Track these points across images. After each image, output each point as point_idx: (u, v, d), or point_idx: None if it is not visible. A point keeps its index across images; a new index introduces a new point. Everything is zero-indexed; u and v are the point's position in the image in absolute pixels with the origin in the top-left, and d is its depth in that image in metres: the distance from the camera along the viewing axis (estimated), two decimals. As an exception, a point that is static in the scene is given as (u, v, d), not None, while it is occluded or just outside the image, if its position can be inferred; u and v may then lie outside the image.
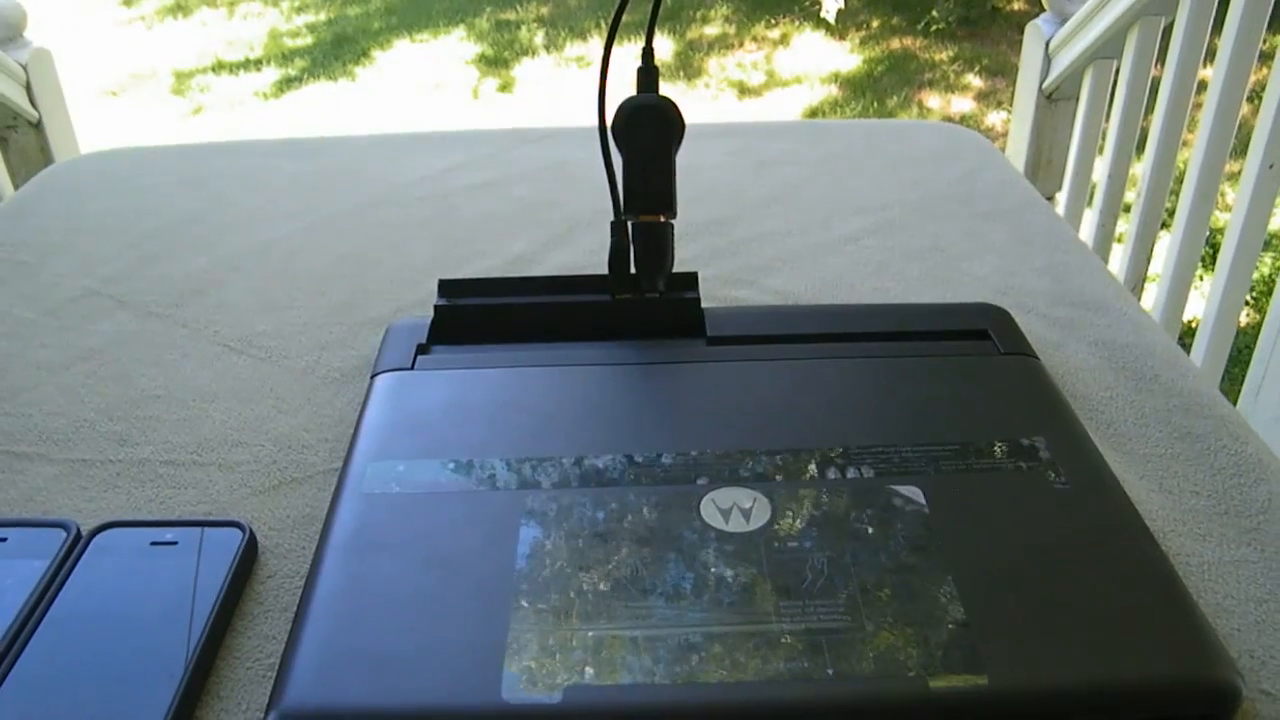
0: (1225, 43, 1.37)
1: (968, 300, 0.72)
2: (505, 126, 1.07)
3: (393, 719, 0.41)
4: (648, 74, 0.63)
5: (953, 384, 0.59)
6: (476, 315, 0.65)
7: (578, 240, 0.82)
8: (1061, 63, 1.70)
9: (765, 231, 0.83)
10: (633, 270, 0.64)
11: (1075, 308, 0.71)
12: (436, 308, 0.65)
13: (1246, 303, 1.45)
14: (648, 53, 0.63)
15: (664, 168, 0.63)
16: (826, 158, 0.97)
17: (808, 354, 0.61)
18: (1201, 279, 2.32)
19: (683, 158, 0.63)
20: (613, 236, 0.64)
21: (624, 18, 0.60)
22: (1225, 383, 1.58)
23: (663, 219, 0.63)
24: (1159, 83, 1.52)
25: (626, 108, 0.62)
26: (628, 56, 0.60)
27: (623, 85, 0.60)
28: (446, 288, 0.66)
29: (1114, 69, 1.64)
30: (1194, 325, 2.09)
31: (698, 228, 0.83)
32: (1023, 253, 0.79)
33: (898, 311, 0.67)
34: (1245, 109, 1.41)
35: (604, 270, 0.65)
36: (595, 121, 0.63)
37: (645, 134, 0.62)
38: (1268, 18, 1.33)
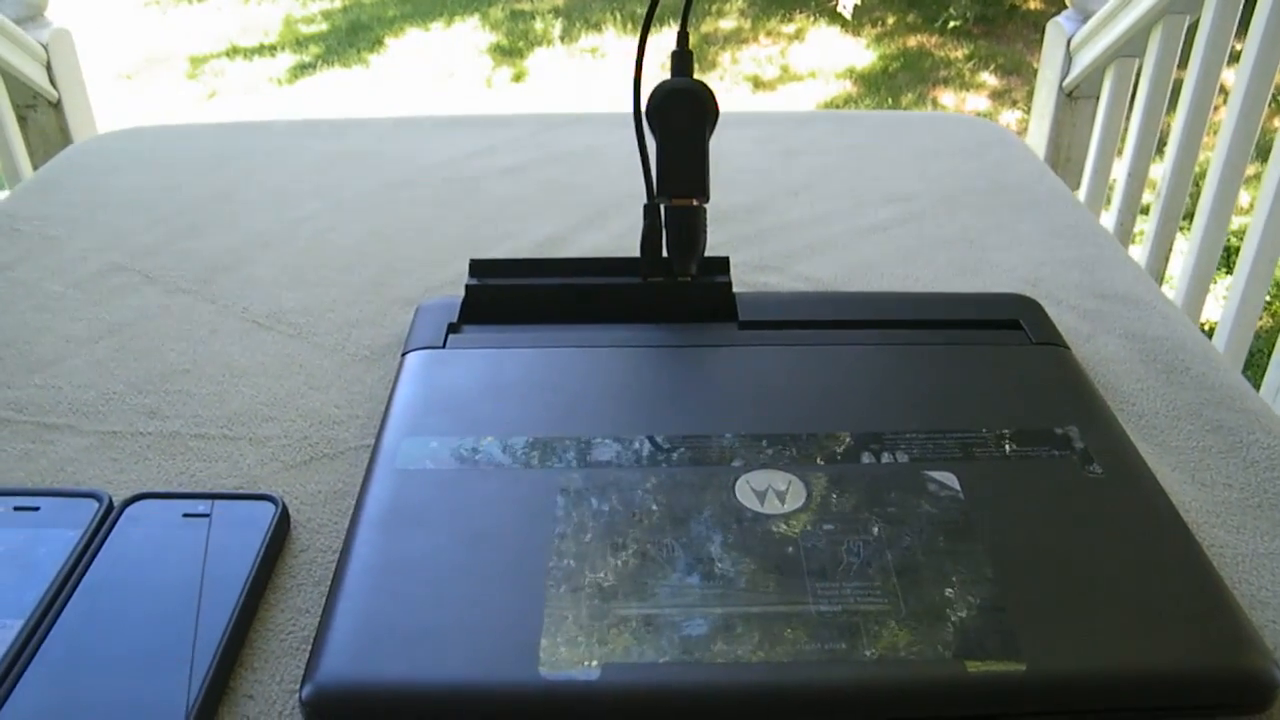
0: (1250, 44, 1.36)
1: (997, 290, 0.72)
2: (526, 112, 1.06)
3: (428, 694, 0.41)
4: (682, 58, 0.63)
5: (985, 372, 0.59)
6: (508, 295, 0.65)
7: (607, 223, 0.82)
8: (1083, 60, 1.69)
9: (794, 219, 0.83)
10: (665, 253, 0.64)
11: (1105, 300, 0.71)
12: (468, 287, 0.65)
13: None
14: (682, 37, 0.63)
15: (698, 151, 0.63)
16: (853, 147, 0.96)
17: (841, 340, 0.61)
18: (1216, 281, 2.31)
19: (711, 144, 0.63)
20: (645, 219, 0.64)
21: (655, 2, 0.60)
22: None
23: (696, 203, 0.63)
24: (1180, 83, 1.51)
25: (661, 91, 0.62)
26: (651, 46, 0.60)
27: (646, 75, 0.61)
28: (478, 268, 0.66)
29: (1136, 68, 1.64)
30: (1208, 328, 2.09)
31: (726, 214, 0.83)
32: (1052, 244, 0.79)
33: (930, 300, 0.67)
34: (1265, 113, 1.40)
35: (634, 253, 0.65)
36: (620, 107, 0.63)
37: (680, 117, 0.62)
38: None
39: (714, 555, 0.45)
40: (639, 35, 0.61)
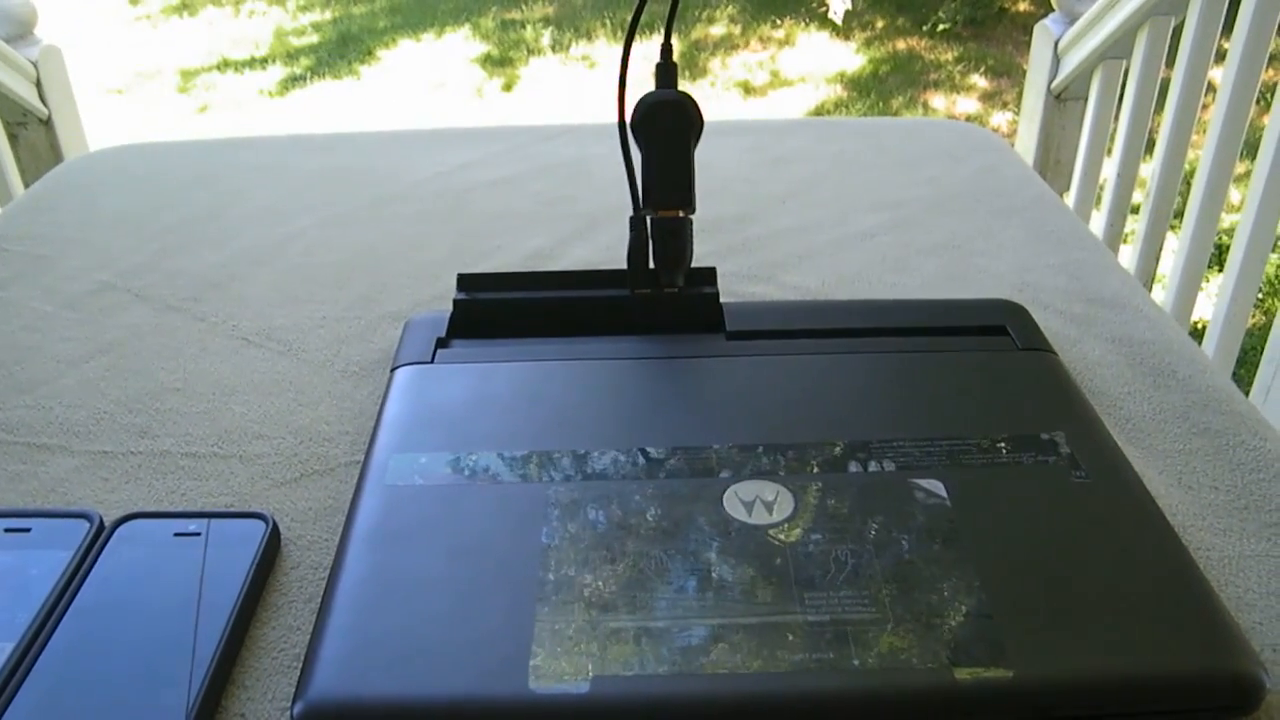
0: (1235, 43, 1.37)
1: (984, 296, 0.72)
2: (514, 124, 1.07)
3: (419, 709, 0.41)
4: (666, 70, 0.63)
5: (972, 379, 0.59)
6: (496, 309, 0.65)
7: (595, 236, 0.82)
8: (1070, 63, 1.70)
9: (781, 228, 0.83)
10: (652, 265, 0.64)
11: (1092, 304, 0.72)
12: (456, 302, 0.65)
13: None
14: (666, 49, 0.63)
15: (683, 163, 0.63)
16: (841, 155, 0.97)
17: (828, 349, 0.61)
18: (1208, 280, 2.32)
19: (698, 154, 0.64)
20: (632, 232, 0.64)
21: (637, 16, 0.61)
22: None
23: (682, 214, 0.63)
24: (1168, 83, 1.52)
25: (646, 103, 0.63)
26: (638, 55, 0.61)
27: (634, 84, 0.61)
28: (465, 282, 0.66)
29: (1123, 69, 1.64)
30: (1200, 326, 2.10)
31: (714, 224, 0.83)
32: (1038, 249, 0.79)
33: (917, 307, 0.67)
34: (1253, 110, 1.41)
35: (622, 265, 0.65)
36: (609, 118, 0.64)
37: (664, 129, 0.63)
38: (1279, 19, 1.33)
39: (703, 566, 0.46)
40: (622, 50, 0.61)
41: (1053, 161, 1.82)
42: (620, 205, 0.86)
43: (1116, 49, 1.61)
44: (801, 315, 0.66)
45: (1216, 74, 1.46)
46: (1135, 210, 1.67)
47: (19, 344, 0.69)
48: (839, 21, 4.73)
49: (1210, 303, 2.17)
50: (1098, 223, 1.71)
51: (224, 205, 0.89)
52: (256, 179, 0.94)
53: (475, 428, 0.55)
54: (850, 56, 4.59)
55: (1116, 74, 1.66)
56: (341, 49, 4.92)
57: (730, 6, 5.08)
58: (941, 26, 4.67)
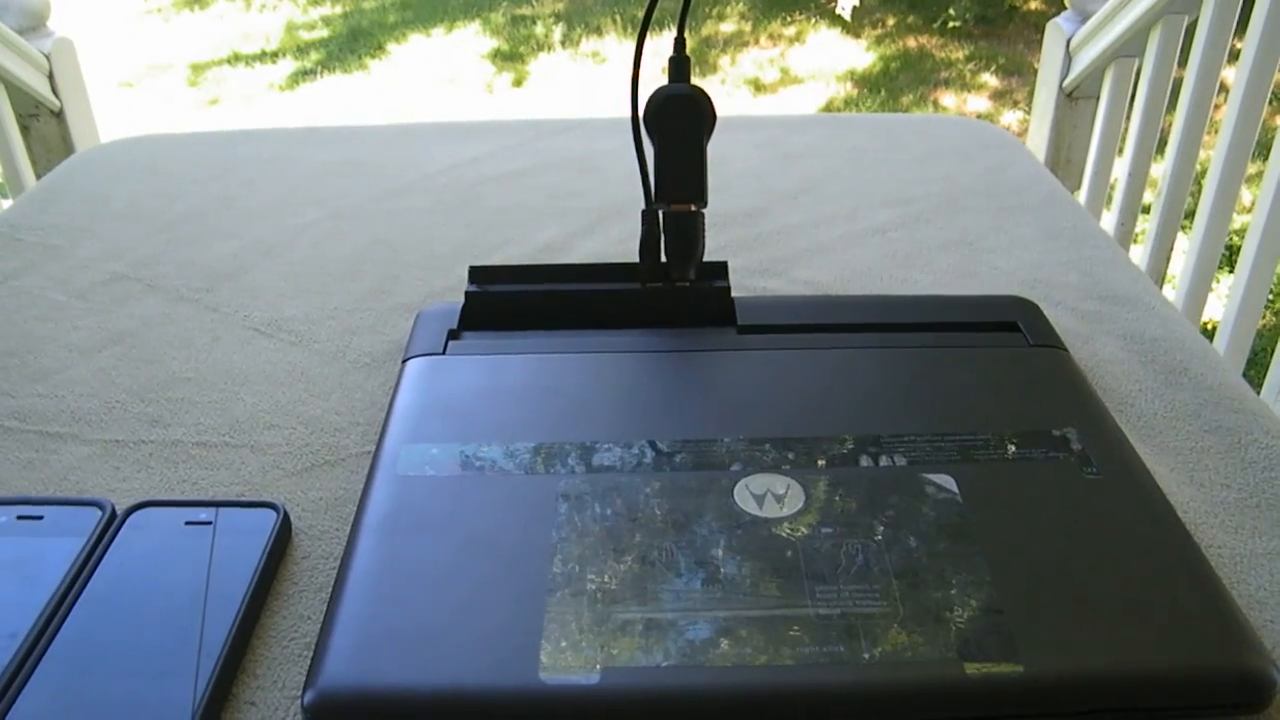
0: (1249, 42, 1.36)
1: (996, 293, 0.72)
2: (525, 118, 1.07)
3: (429, 699, 0.41)
4: (679, 64, 0.63)
5: (983, 375, 0.59)
6: (507, 302, 0.65)
7: (606, 229, 0.82)
8: (1082, 61, 1.70)
9: (793, 223, 0.83)
10: (663, 259, 0.64)
11: (1103, 301, 0.71)
12: (467, 294, 0.65)
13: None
14: (679, 43, 0.63)
15: (695, 157, 0.63)
16: (852, 151, 0.97)
17: (839, 343, 0.61)
18: (1218, 280, 2.31)
19: (710, 149, 0.64)
20: (644, 225, 0.64)
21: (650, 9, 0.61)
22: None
23: (694, 208, 0.63)
24: (1180, 82, 1.52)
25: (659, 97, 0.63)
26: (649, 51, 0.61)
27: (645, 79, 0.61)
28: (477, 274, 0.66)
29: (1135, 68, 1.64)
30: (1210, 327, 2.09)
31: (725, 219, 0.83)
32: (1050, 246, 0.79)
33: (928, 303, 0.67)
34: (1266, 110, 1.40)
35: (633, 259, 0.65)
36: (620, 113, 0.63)
37: (677, 123, 0.63)
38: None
39: (713, 559, 0.46)
40: (636, 42, 0.61)
41: (1064, 160, 1.82)
42: (630, 199, 0.86)
43: (1129, 48, 1.61)
44: (813, 310, 0.66)
45: (1229, 73, 1.45)
46: (1146, 210, 1.67)
47: (32, 333, 0.69)
48: (846, 17, 4.72)
49: (1221, 303, 2.17)
50: (1109, 222, 1.71)
51: (235, 197, 0.89)
52: (267, 171, 0.94)
53: (486, 419, 0.55)
54: (860, 54, 4.58)
55: (1129, 73, 1.65)
56: (352, 43, 4.92)
57: (740, 3, 5.07)
58: (952, 24, 4.66)
